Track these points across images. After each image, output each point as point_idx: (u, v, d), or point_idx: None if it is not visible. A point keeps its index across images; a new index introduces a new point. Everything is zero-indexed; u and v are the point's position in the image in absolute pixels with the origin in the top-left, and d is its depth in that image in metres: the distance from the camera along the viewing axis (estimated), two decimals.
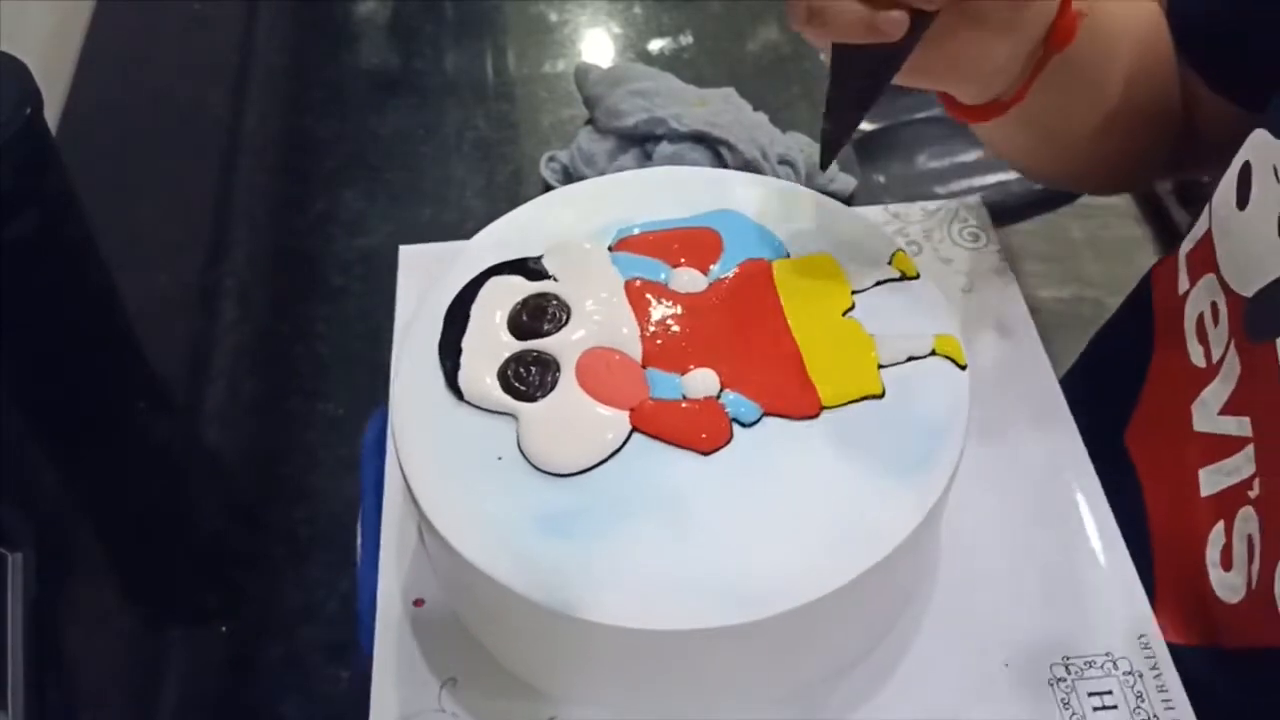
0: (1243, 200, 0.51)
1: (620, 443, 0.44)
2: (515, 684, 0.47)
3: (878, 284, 0.49)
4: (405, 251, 0.59)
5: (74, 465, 0.65)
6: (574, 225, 0.52)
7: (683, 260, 0.50)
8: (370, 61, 0.91)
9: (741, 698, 0.46)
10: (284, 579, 0.59)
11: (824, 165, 0.49)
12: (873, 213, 0.62)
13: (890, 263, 0.50)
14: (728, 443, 0.44)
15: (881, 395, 0.45)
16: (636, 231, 0.52)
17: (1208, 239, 0.54)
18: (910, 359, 0.46)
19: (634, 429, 0.44)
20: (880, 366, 0.46)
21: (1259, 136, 0.51)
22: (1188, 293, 0.55)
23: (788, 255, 0.50)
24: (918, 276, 0.50)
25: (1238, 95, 0.57)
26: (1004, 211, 0.70)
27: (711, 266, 0.50)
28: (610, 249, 0.51)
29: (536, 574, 0.41)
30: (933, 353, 0.46)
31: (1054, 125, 0.57)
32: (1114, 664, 0.47)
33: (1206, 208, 0.54)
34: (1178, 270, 0.57)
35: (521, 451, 0.44)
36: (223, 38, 0.93)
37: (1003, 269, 0.60)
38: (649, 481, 0.43)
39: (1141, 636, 0.47)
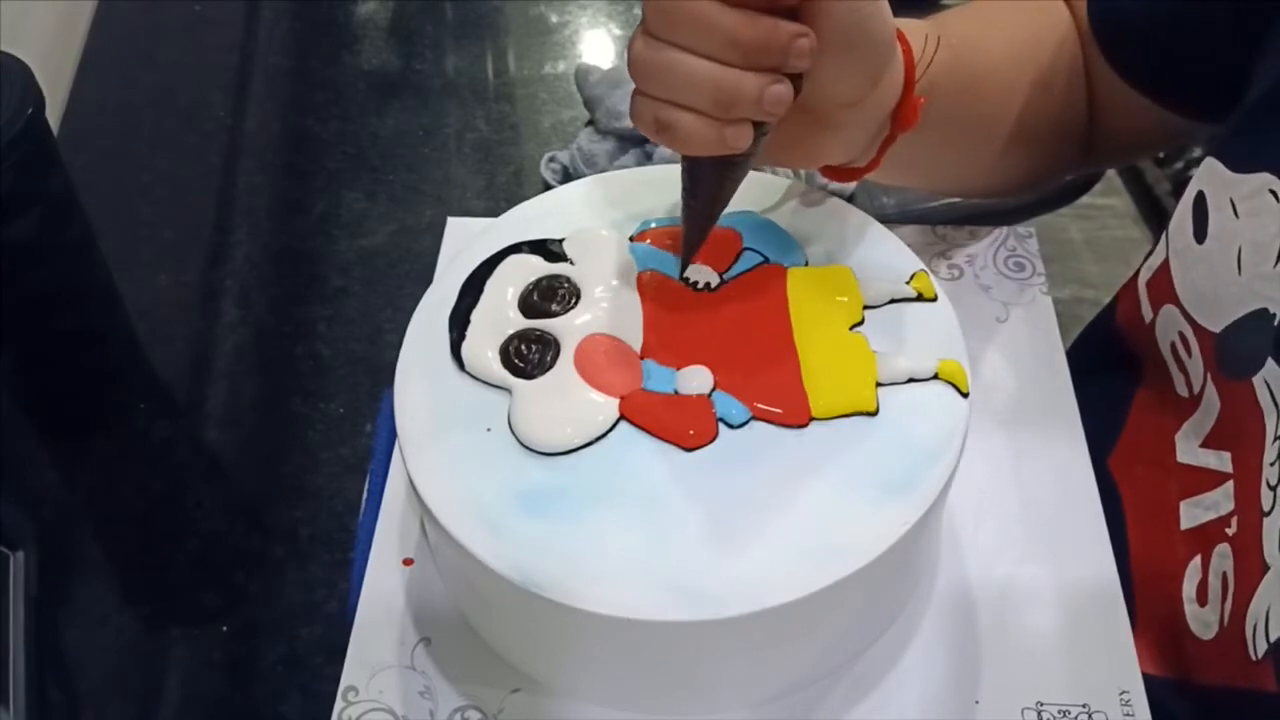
0: (1200, 233, 0.50)
1: (606, 429, 0.44)
2: (486, 652, 0.47)
3: (892, 301, 0.49)
4: (451, 223, 0.63)
5: (74, 466, 0.65)
6: (603, 212, 0.52)
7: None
8: (371, 62, 0.91)
9: (699, 696, 0.46)
10: (284, 579, 0.59)
11: (683, 269, 0.49)
12: (917, 233, 0.61)
13: (909, 282, 0.49)
14: (712, 441, 0.44)
15: (875, 413, 0.45)
16: (659, 225, 0.52)
17: (1165, 269, 0.53)
18: (911, 380, 0.46)
19: (622, 417, 0.44)
20: (879, 384, 0.45)
21: (1212, 167, 0.49)
22: (1153, 321, 0.54)
23: (806, 263, 0.50)
24: (935, 299, 0.49)
25: (1167, 98, 0.56)
26: (1001, 213, 0.70)
27: (728, 266, 0.50)
28: (631, 239, 0.51)
29: (507, 548, 0.41)
30: (935, 376, 0.46)
31: (933, 165, 0.56)
32: (1089, 717, 0.45)
33: (1163, 236, 0.53)
34: (1139, 298, 0.56)
35: (510, 427, 0.44)
36: (223, 38, 0.93)
37: (1043, 302, 0.58)
38: (630, 471, 0.43)
39: (1124, 693, 0.46)
